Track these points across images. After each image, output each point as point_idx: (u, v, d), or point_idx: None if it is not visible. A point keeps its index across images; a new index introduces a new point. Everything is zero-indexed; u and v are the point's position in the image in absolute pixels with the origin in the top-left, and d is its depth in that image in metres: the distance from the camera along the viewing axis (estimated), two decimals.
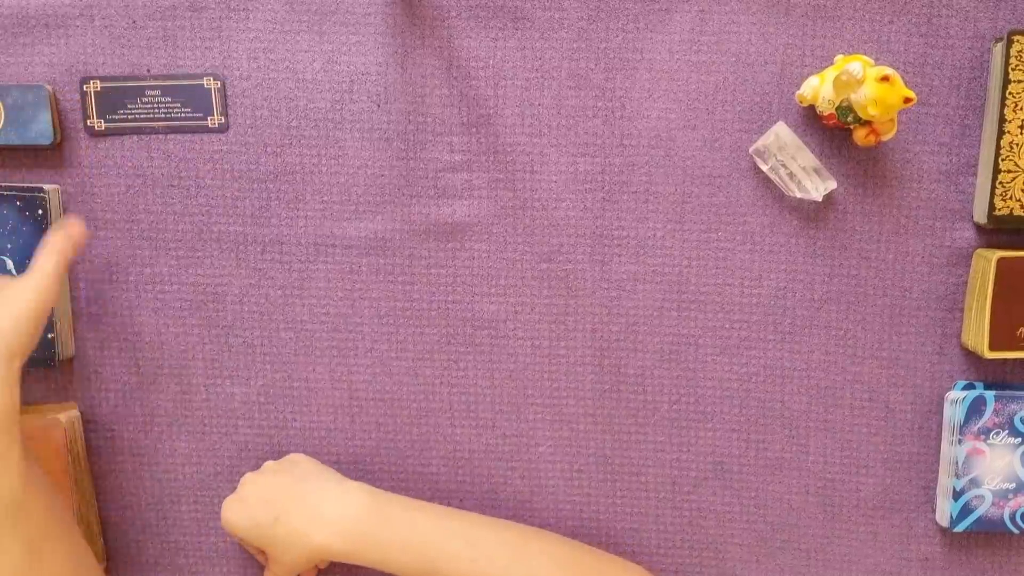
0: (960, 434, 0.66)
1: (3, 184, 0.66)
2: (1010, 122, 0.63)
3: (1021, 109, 0.62)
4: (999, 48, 0.63)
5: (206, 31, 0.66)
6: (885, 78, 0.59)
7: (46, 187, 0.67)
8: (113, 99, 0.67)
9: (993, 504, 0.67)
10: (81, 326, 0.70)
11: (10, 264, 0.67)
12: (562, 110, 0.67)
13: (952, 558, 0.70)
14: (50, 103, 0.66)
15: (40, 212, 0.66)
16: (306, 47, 0.67)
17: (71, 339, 0.69)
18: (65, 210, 0.68)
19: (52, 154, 0.68)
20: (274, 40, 0.67)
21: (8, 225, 0.67)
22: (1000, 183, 0.63)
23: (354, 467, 0.71)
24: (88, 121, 0.67)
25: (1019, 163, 0.63)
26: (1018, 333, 0.64)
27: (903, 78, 0.61)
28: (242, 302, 0.69)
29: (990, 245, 0.67)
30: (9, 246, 0.67)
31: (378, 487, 0.71)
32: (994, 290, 0.64)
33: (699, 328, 0.69)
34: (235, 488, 0.67)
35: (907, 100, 0.59)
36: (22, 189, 0.66)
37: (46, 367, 0.69)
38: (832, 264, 0.68)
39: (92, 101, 0.67)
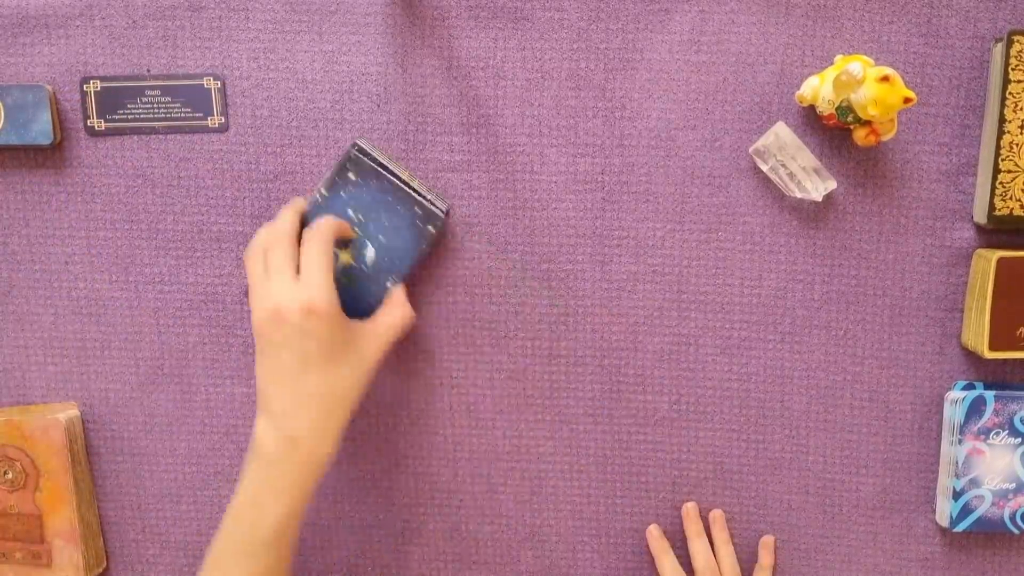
0: (960, 434, 0.66)
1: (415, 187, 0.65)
2: (1010, 122, 0.63)
3: (1021, 109, 0.62)
4: (999, 48, 0.63)
5: (206, 31, 0.66)
6: (885, 78, 0.59)
7: (442, 206, 0.65)
8: (113, 99, 0.67)
9: (993, 504, 0.67)
10: (81, 326, 0.70)
11: (370, 252, 0.65)
12: (562, 110, 0.67)
13: (952, 558, 0.70)
14: (50, 103, 0.66)
15: (429, 229, 0.65)
16: (306, 47, 0.67)
17: None
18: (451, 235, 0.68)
19: (52, 154, 0.68)
20: (274, 40, 0.67)
21: (385, 220, 0.64)
22: (1000, 183, 0.63)
23: (354, 467, 0.71)
24: (88, 121, 0.67)
25: (1019, 163, 0.63)
26: (1018, 333, 0.64)
27: (903, 78, 0.61)
28: (242, 302, 0.69)
29: (990, 245, 0.67)
30: (381, 237, 0.64)
31: (378, 487, 0.71)
32: (994, 290, 0.64)
33: (699, 328, 0.69)
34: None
35: (907, 100, 0.59)
36: (427, 203, 0.64)
37: None
38: (832, 264, 0.68)
39: (92, 101, 0.67)
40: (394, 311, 0.63)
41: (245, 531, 0.58)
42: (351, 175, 0.63)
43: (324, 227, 0.60)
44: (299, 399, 0.58)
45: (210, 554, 0.60)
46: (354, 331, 0.60)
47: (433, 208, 0.64)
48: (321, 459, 0.59)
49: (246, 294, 0.68)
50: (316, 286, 0.57)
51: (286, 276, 0.58)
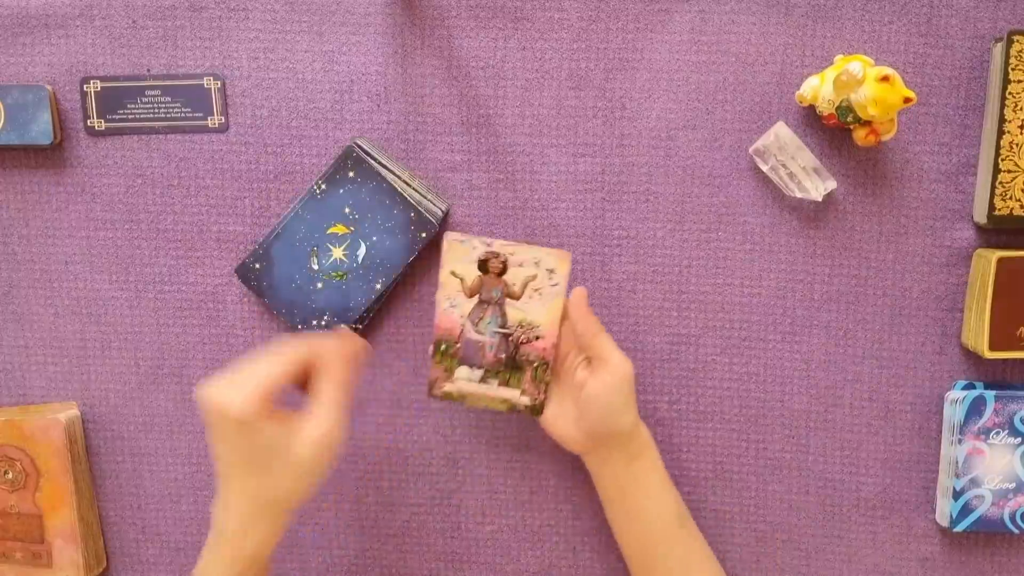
0: (960, 434, 0.66)
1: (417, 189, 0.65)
2: (1010, 122, 0.63)
3: (1021, 109, 0.62)
4: (999, 48, 0.63)
5: (206, 31, 0.66)
6: (885, 78, 0.59)
7: (441, 207, 0.65)
8: (113, 99, 0.67)
9: (993, 504, 0.66)
10: (81, 326, 0.70)
11: (362, 250, 0.65)
12: (562, 110, 0.67)
13: (952, 558, 0.70)
14: (50, 103, 0.66)
15: (421, 236, 0.65)
16: (306, 47, 0.67)
17: None
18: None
19: (52, 154, 0.68)
20: (274, 40, 0.67)
21: (380, 222, 0.64)
22: (1000, 183, 0.63)
23: (354, 467, 0.71)
24: (88, 121, 0.67)
25: (1019, 163, 0.63)
26: (1018, 333, 0.64)
27: (903, 78, 0.61)
28: (242, 302, 0.69)
29: (990, 245, 0.67)
30: (375, 238, 0.64)
31: (379, 486, 0.71)
32: (994, 290, 0.64)
33: (699, 328, 0.69)
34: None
35: (907, 100, 0.59)
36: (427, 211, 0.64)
37: None
38: (832, 264, 0.68)
39: (92, 101, 0.67)
40: (320, 422, 0.56)
41: None
42: (350, 173, 0.63)
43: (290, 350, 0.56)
44: (228, 496, 0.56)
45: None
46: (286, 436, 0.55)
47: (428, 216, 0.64)
48: (248, 556, 0.57)
49: None
50: (241, 391, 0.54)
51: (231, 376, 0.55)
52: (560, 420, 0.64)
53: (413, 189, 0.64)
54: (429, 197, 0.65)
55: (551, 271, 0.60)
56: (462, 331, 0.62)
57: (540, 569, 0.72)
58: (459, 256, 0.60)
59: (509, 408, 0.64)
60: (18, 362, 0.71)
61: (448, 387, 0.64)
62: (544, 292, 0.61)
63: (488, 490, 0.71)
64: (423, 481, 0.71)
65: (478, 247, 0.60)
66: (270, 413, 0.54)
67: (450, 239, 0.60)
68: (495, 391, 0.63)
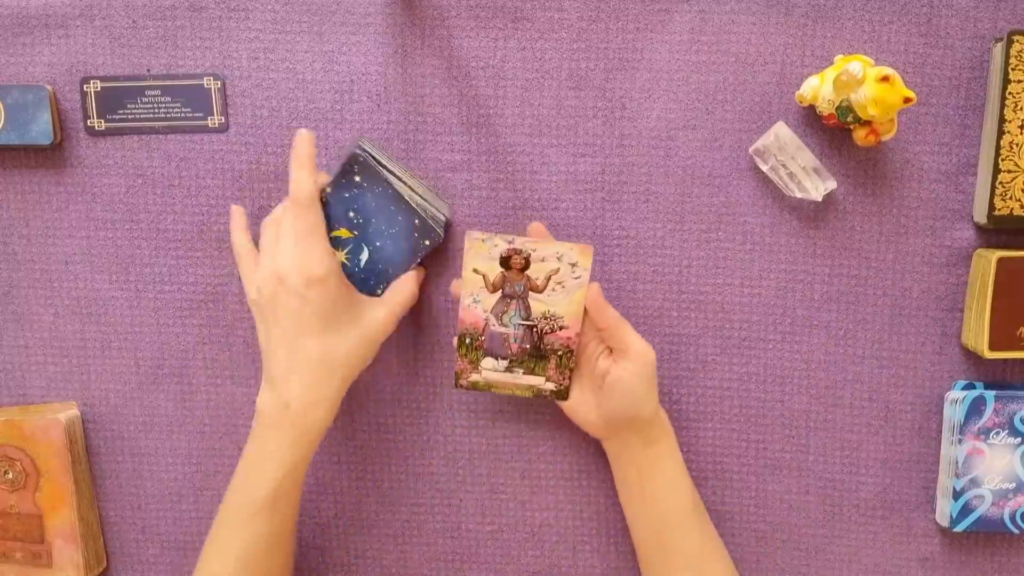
0: (960, 434, 0.66)
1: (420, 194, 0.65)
2: (1010, 122, 0.63)
3: (1021, 109, 0.62)
4: (999, 48, 0.63)
5: (206, 31, 0.66)
6: (885, 78, 0.59)
7: (445, 211, 0.66)
8: (113, 99, 0.67)
9: (993, 504, 0.66)
10: (81, 326, 0.70)
11: (365, 255, 0.65)
12: (562, 110, 0.67)
13: (952, 558, 0.70)
14: (50, 103, 0.66)
15: (425, 243, 0.64)
16: (306, 47, 0.67)
17: None
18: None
19: (52, 154, 0.68)
20: (274, 40, 0.67)
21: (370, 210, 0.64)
22: (1000, 183, 0.63)
23: (354, 466, 0.71)
24: (88, 121, 0.67)
25: (1019, 163, 0.63)
26: (1018, 333, 0.64)
27: (903, 78, 0.61)
28: (242, 302, 0.69)
29: (990, 245, 0.67)
30: (378, 243, 0.64)
31: (379, 486, 0.71)
32: (994, 290, 0.64)
33: (699, 328, 0.69)
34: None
35: (907, 100, 0.59)
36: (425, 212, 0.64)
37: None
38: (832, 264, 0.68)
39: (92, 101, 0.67)
40: (403, 288, 0.64)
41: (245, 494, 0.60)
42: (357, 177, 0.63)
43: (302, 197, 0.59)
44: (293, 364, 0.59)
45: (216, 517, 0.62)
46: (357, 302, 0.62)
47: (432, 224, 0.64)
48: (314, 424, 0.60)
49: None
50: (316, 256, 0.59)
51: (289, 242, 0.59)
52: (582, 407, 0.65)
53: (419, 196, 0.64)
54: (434, 204, 0.65)
55: (573, 265, 0.61)
56: (486, 324, 0.63)
57: (540, 569, 0.72)
58: (481, 254, 0.61)
59: (535, 393, 0.65)
60: (18, 362, 0.71)
61: (475, 377, 0.65)
62: (567, 285, 0.61)
63: (488, 490, 0.71)
64: (423, 481, 0.71)
65: (500, 244, 0.60)
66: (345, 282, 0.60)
67: (472, 238, 0.60)
68: (520, 379, 0.64)
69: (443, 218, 0.65)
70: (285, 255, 0.59)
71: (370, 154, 0.63)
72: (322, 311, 0.59)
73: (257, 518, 0.60)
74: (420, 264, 0.66)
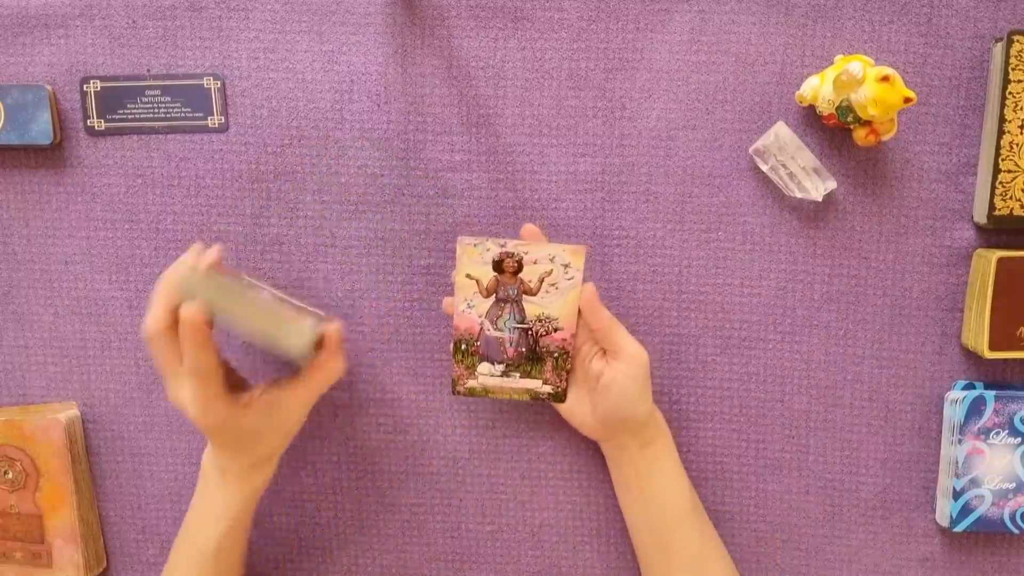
0: (960, 434, 0.66)
1: None
2: (1010, 122, 0.63)
3: (1021, 109, 0.62)
4: (999, 48, 0.63)
5: (206, 31, 0.66)
6: (885, 78, 0.59)
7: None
8: (113, 99, 0.67)
9: (993, 504, 0.66)
10: (81, 326, 0.70)
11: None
12: (562, 110, 0.67)
13: (952, 558, 0.70)
14: (50, 103, 0.66)
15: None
16: (306, 47, 0.67)
17: None
18: None
19: (52, 154, 0.68)
20: (274, 40, 0.67)
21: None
22: (1000, 183, 0.63)
23: (354, 466, 0.71)
24: (88, 121, 0.67)
25: (1019, 163, 0.63)
26: (1018, 333, 0.64)
27: (903, 78, 0.61)
28: None
29: (990, 245, 0.67)
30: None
31: (379, 487, 0.71)
32: (994, 290, 0.64)
33: (699, 328, 0.69)
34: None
35: (907, 100, 0.59)
36: None
37: None
38: (832, 264, 0.68)
39: (92, 101, 0.67)
40: (325, 366, 0.61)
41: (192, 545, 0.63)
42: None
43: (192, 319, 0.54)
44: (224, 445, 0.61)
45: (167, 563, 0.65)
46: (267, 410, 0.60)
47: (281, 353, 0.57)
48: (251, 484, 0.62)
49: None
50: (194, 407, 0.57)
51: (171, 382, 0.58)
52: (578, 409, 0.65)
53: (259, 330, 0.57)
54: (283, 330, 0.57)
55: (566, 266, 0.61)
56: (481, 330, 0.63)
57: (540, 569, 0.72)
58: (473, 259, 0.61)
59: (532, 397, 0.65)
60: (18, 362, 0.71)
61: (472, 383, 0.65)
62: (560, 286, 0.61)
63: (488, 490, 0.71)
64: (423, 481, 0.71)
65: (492, 248, 0.60)
66: (244, 404, 0.59)
67: (463, 243, 0.60)
68: (517, 383, 0.64)
69: (299, 343, 0.57)
70: (184, 392, 0.57)
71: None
72: (229, 442, 0.60)
73: (204, 566, 0.63)
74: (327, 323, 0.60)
